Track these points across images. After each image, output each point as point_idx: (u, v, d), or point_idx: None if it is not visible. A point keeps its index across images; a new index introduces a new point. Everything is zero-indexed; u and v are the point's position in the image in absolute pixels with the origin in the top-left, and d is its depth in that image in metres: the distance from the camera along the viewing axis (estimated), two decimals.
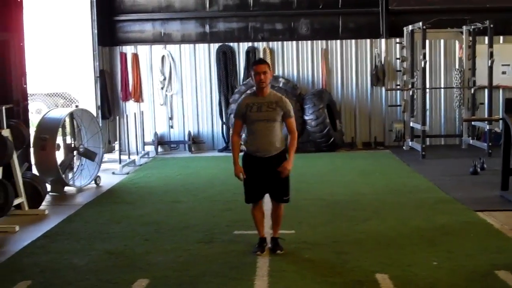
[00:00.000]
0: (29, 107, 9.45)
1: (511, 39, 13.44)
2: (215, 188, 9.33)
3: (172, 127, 13.88)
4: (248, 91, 11.06)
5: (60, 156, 9.41)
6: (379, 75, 13.53)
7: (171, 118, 13.87)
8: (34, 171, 9.02)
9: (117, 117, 13.21)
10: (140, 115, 13.19)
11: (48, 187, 8.98)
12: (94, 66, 13.04)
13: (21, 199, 7.86)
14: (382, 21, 13.56)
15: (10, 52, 8.49)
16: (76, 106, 10.59)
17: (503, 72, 13.18)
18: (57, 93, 16.57)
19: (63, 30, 13.18)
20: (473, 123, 12.50)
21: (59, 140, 9.30)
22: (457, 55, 13.27)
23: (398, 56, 13.30)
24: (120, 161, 11.19)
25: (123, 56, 13.76)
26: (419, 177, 9.83)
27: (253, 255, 5.83)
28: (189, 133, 13.59)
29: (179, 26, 13.95)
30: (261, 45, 13.66)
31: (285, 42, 13.67)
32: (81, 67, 13.13)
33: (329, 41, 13.65)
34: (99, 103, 13.07)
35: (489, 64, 11.87)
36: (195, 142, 13.61)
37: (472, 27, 12.28)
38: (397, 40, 13.26)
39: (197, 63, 13.74)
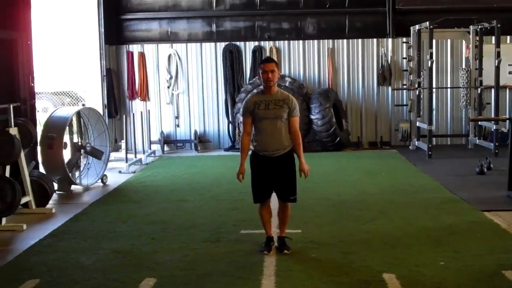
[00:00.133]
0: (36, 105, 9.48)
1: None
2: (222, 187, 9.33)
3: (178, 126, 13.90)
4: (255, 90, 11.05)
5: (67, 154, 9.42)
6: (386, 75, 13.51)
7: (177, 117, 13.88)
8: (41, 169, 9.05)
9: (124, 116, 13.22)
10: (147, 114, 13.19)
11: (55, 185, 9.00)
12: (101, 64, 13.05)
13: (28, 198, 7.88)
14: (389, 21, 13.55)
15: (17, 51, 8.53)
16: (83, 105, 10.60)
17: (510, 72, 13.16)
18: (63, 92, 16.58)
19: (70, 29, 13.16)
20: (479, 123, 12.47)
21: (66, 138, 9.32)
22: (464, 55, 13.28)
23: (404, 56, 13.29)
24: (127, 160, 11.22)
25: (130, 55, 13.78)
26: (425, 177, 9.81)
27: (260, 254, 5.84)
28: (195, 132, 13.60)
29: (185, 25, 13.97)
30: (267, 44, 13.67)
31: (291, 41, 13.67)
32: (88, 66, 13.12)
33: (335, 41, 13.64)
34: (105, 102, 13.09)
35: (496, 64, 11.85)
36: (201, 141, 13.62)
37: (479, 26, 12.26)
38: (404, 39, 13.25)
39: (203, 62, 13.75)
